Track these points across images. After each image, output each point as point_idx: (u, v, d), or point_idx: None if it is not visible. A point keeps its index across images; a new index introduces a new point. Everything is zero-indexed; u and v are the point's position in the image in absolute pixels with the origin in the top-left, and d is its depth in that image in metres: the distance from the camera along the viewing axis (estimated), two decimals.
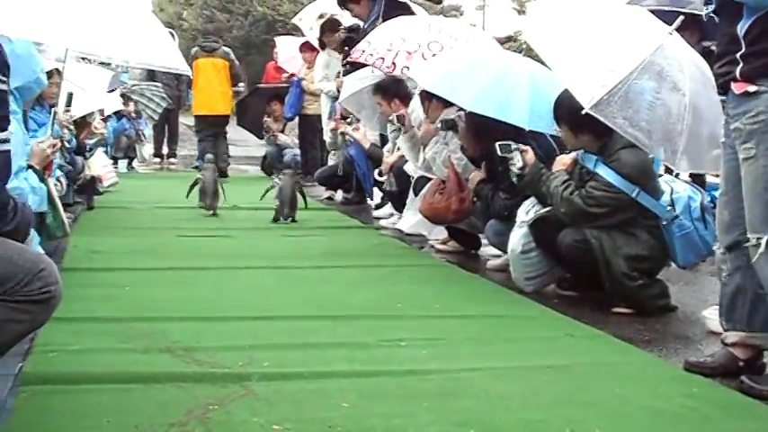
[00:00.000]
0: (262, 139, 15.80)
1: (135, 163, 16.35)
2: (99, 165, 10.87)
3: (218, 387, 4.06)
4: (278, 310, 5.62)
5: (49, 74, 6.46)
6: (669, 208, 5.89)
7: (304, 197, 10.21)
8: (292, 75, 15.05)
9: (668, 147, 5.51)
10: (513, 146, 6.47)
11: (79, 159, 9.52)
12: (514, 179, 6.52)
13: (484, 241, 8.00)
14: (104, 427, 3.55)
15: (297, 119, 14.93)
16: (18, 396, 3.86)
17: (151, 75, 16.27)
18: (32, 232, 5.38)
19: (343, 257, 7.64)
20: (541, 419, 3.82)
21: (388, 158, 9.65)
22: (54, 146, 5.97)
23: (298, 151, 15.13)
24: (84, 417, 3.66)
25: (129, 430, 3.52)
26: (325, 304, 5.83)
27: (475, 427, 3.69)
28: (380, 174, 9.85)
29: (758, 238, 4.22)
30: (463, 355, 4.77)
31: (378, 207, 10.98)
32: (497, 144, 6.55)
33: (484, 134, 7.03)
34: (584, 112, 5.36)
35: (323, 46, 12.95)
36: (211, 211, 10.12)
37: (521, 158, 6.44)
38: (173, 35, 12.58)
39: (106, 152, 11.95)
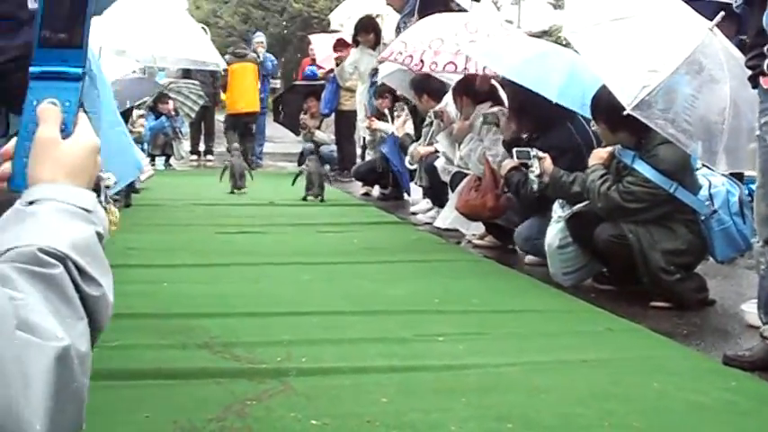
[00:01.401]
0: (298, 135, 15.83)
1: (172, 160, 16.42)
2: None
3: (256, 383, 4.07)
4: (315, 305, 5.63)
5: None
6: (707, 203, 5.86)
7: (329, 181, 11.88)
8: (330, 71, 15.08)
9: (708, 146, 5.50)
10: (532, 153, 6.53)
11: None
12: (534, 186, 6.56)
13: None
14: (143, 422, 3.58)
15: (333, 115, 14.93)
16: None
17: (187, 73, 16.44)
18: None
19: (380, 253, 7.66)
20: (579, 413, 3.80)
21: (419, 148, 9.65)
22: None
23: (334, 147, 15.22)
24: (122, 412, 3.68)
25: (168, 425, 3.54)
26: (362, 299, 5.85)
27: (513, 421, 3.68)
28: (410, 162, 9.87)
29: None
30: (501, 349, 4.77)
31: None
32: (514, 150, 6.70)
33: (524, 116, 7.04)
34: (625, 113, 5.36)
35: (356, 44, 12.96)
36: (240, 191, 11.78)
37: (538, 165, 6.48)
38: (205, 30, 12.75)
39: (143, 149, 12.01)
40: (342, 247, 7.96)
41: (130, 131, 10.12)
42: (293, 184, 11.34)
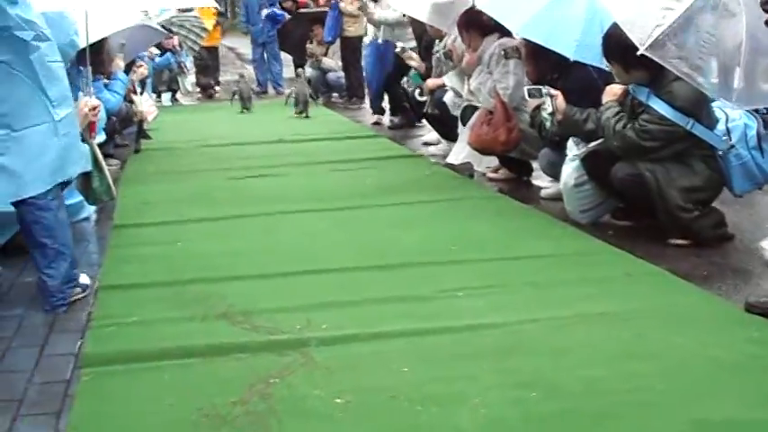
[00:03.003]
0: (304, 63, 15.66)
1: (178, 95, 16.34)
2: (145, 103, 10.87)
3: (277, 356, 4.07)
4: (332, 260, 5.59)
5: None
6: (725, 138, 5.77)
7: (314, 99, 13.95)
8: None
9: (724, 83, 5.39)
10: (544, 90, 6.43)
11: (124, 105, 9.48)
12: (548, 124, 6.48)
13: (535, 165, 7.90)
14: (167, 411, 3.57)
15: (339, 42, 14.79)
16: (80, 380, 3.88)
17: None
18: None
19: (395, 193, 7.60)
20: (603, 377, 3.78)
21: (429, 81, 9.54)
22: (95, 107, 5.93)
23: (342, 74, 15.09)
24: (146, 400, 3.68)
25: (193, 413, 3.52)
26: (379, 251, 5.81)
27: (537, 389, 3.66)
28: (420, 93, 9.76)
29: None
30: (521, 303, 4.74)
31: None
32: (525, 88, 6.65)
33: (541, 58, 6.92)
34: (639, 53, 5.26)
35: None
36: (249, 111, 14.24)
37: (551, 103, 6.39)
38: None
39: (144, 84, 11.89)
40: (355, 187, 7.90)
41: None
42: (286, 103, 13.80)
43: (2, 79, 4.56)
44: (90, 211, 6.69)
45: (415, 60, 10.10)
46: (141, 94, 10.53)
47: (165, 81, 15.78)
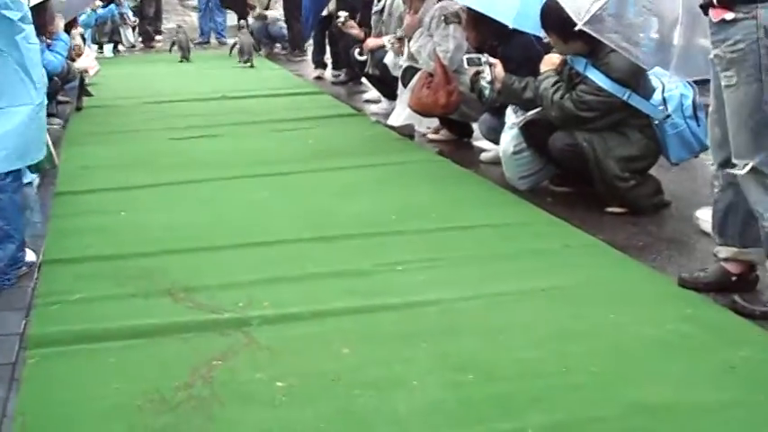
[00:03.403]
0: (246, 16, 15.59)
1: (120, 47, 16.22)
2: (84, 58, 10.78)
3: (220, 335, 4.12)
4: (273, 232, 5.63)
5: None
6: (661, 107, 5.87)
7: (257, 50, 14.78)
8: None
9: (662, 57, 5.45)
10: (483, 59, 6.50)
11: (65, 64, 9.39)
12: (486, 92, 6.55)
13: (475, 126, 7.97)
14: (112, 395, 3.60)
15: None
16: (26, 363, 3.91)
17: None
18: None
19: (336, 156, 7.65)
20: (538, 358, 3.86)
21: (369, 41, 9.56)
22: None
23: (284, 25, 15.04)
24: (93, 385, 3.70)
25: (137, 397, 3.56)
26: (320, 221, 5.85)
27: (473, 371, 3.74)
28: (360, 53, 9.78)
29: (744, 164, 4.22)
30: (460, 278, 4.80)
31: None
32: (465, 57, 6.74)
33: (482, 25, 6.95)
34: (576, 29, 5.32)
35: None
36: (188, 61, 14.97)
37: (489, 72, 6.46)
38: None
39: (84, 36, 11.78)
40: (297, 150, 7.95)
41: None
42: (230, 54, 14.65)
43: None
44: (32, 176, 6.64)
45: (356, 29, 10.11)
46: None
47: (106, 33, 15.67)
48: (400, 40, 8.61)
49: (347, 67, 11.61)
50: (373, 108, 9.94)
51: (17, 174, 4.84)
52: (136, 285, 4.74)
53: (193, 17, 20.18)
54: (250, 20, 15.22)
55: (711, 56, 4.38)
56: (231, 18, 17.02)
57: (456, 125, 8.21)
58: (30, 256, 5.04)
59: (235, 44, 14.70)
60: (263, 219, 5.96)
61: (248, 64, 13.97)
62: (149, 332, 4.18)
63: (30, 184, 6.38)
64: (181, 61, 14.89)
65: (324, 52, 12.74)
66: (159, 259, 5.15)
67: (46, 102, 4.98)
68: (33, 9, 6.37)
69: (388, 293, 4.60)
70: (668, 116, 5.87)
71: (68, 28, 9.47)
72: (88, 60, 10.66)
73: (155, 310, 4.43)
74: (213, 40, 17.39)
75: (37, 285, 4.82)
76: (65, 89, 10.19)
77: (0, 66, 4.61)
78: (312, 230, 5.65)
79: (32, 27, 4.77)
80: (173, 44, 15.46)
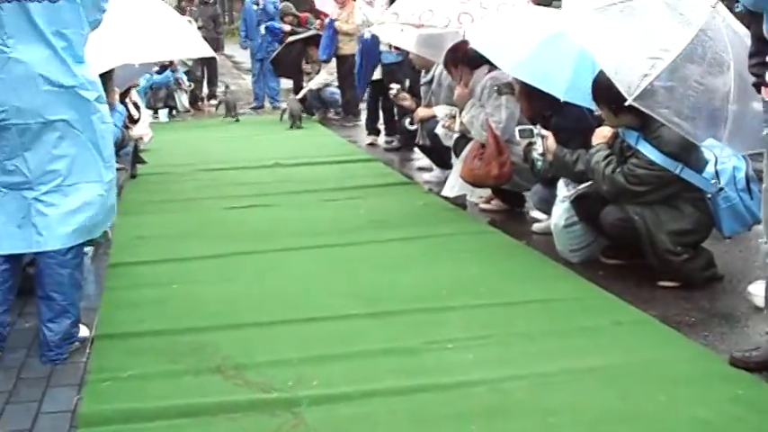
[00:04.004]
0: (301, 83, 15.80)
1: (174, 112, 16.51)
2: (138, 125, 10.95)
3: (269, 416, 4.13)
4: (323, 307, 5.64)
5: None
6: (714, 181, 5.83)
7: (311, 114, 15.60)
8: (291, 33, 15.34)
9: (714, 132, 5.46)
10: (535, 131, 6.52)
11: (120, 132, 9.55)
12: (538, 164, 6.56)
13: (528, 195, 7.97)
14: None
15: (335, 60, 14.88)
16: None
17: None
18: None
19: (387, 228, 7.67)
20: None
21: (419, 111, 9.59)
22: None
23: (336, 90, 15.19)
24: None
25: None
26: (371, 295, 5.87)
27: None
28: (411, 123, 9.83)
29: None
30: (509, 357, 4.79)
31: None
32: (517, 129, 6.75)
33: (534, 96, 6.97)
34: (626, 103, 5.32)
35: None
36: (233, 118, 15.84)
37: (541, 143, 6.47)
38: (191, 22, 12.87)
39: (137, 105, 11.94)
40: (348, 220, 7.99)
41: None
42: (281, 119, 15.27)
43: (63, 137, 4.69)
44: (87, 248, 6.73)
45: (408, 101, 10.16)
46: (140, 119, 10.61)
47: (161, 98, 15.91)
48: (452, 117, 8.64)
49: (400, 133, 11.67)
50: (426, 176, 9.96)
51: (79, 250, 4.91)
52: (187, 362, 4.77)
53: (247, 80, 20.46)
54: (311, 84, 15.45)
55: (765, 133, 4.37)
56: (286, 81, 17.24)
57: (508, 195, 8.21)
58: (83, 331, 5.09)
59: (285, 109, 15.15)
60: (313, 292, 5.97)
61: (297, 127, 14.55)
62: (199, 411, 4.20)
63: (85, 254, 6.49)
64: (225, 117, 15.82)
65: (377, 119, 12.85)
66: (210, 334, 5.18)
67: (115, 180, 5.07)
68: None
69: (437, 373, 4.59)
70: (721, 189, 5.83)
71: (123, 96, 9.63)
72: (143, 128, 10.84)
73: (205, 389, 4.46)
74: (267, 105, 17.55)
75: (89, 361, 4.86)
76: (120, 155, 10.33)
77: (74, 143, 4.73)
78: (363, 306, 5.65)
79: (107, 107, 4.91)
80: (219, 103, 16.66)
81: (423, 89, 9.73)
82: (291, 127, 14.62)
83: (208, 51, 9.45)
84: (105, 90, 7.51)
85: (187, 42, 8.72)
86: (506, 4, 8.23)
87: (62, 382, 4.63)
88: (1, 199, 4.71)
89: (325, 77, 15.30)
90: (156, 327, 5.35)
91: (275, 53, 16.27)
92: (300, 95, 15.65)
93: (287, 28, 16.72)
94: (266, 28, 17.12)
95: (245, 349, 4.93)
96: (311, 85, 15.55)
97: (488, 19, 7.95)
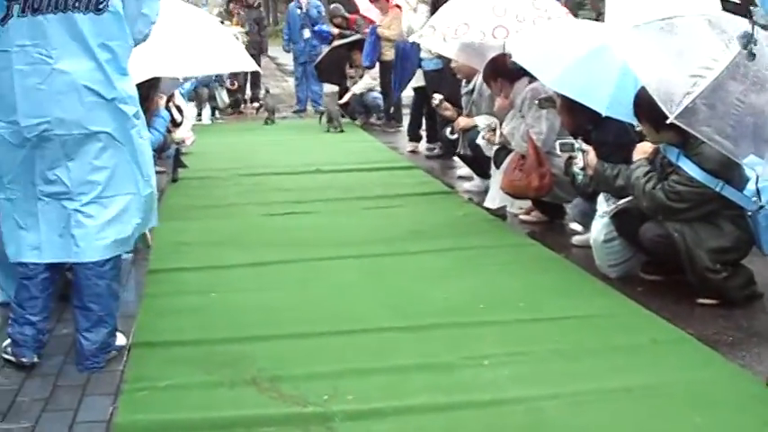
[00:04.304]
0: (344, 86, 15.85)
1: (217, 113, 16.67)
2: (181, 128, 11.06)
3: (303, 431, 4.14)
4: (360, 319, 5.66)
5: None
6: (754, 199, 5.78)
7: (353, 119, 15.71)
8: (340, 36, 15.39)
9: (755, 150, 5.41)
10: (576, 145, 6.49)
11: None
12: (579, 178, 6.53)
13: (568, 207, 7.95)
14: None
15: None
16: None
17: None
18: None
19: (426, 238, 7.67)
20: None
21: (460, 120, 9.57)
22: None
23: (378, 95, 15.22)
24: None
25: None
26: (409, 308, 5.87)
27: None
28: (452, 132, 9.82)
29: None
30: (545, 375, 4.78)
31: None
32: (558, 142, 6.72)
33: (576, 110, 6.94)
34: (668, 121, 5.29)
35: None
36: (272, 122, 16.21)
37: (582, 158, 6.44)
38: (237, 36, 12.98)
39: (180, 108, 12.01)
40: (387, 230, 8.00)
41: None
42: (320, 122, 15.43)
43: (105, 148, 4.75)
44: (126, 255, 6.78)
45: (450, 110, 10.14)
46: (182, 122, 10.72)
47: (205, 99, 16.05)
48: (492, 130, 8.62)
49: (441, 141, 11.66)
50: (466, 185, 9.94)
51: (116, 261, 4.95)
52: (222, 373, 4.80)
53: (290, 83, 20.53)
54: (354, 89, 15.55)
55: None
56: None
57: (548, 206, 8.19)
58: (120, 339, 5.13)
59: (323, 112, 15.36)
60: (351, 304, 5.99)
61: (338, 130, 14.79)
62: (233, 424, 4.23)
63: (124, 259, 6.54)
64: (266, 123, 16.06)
65: (419, 126, 12.86)
66: (247, 345, 5.20)
67: (155, 194, 5.12)
68: (139, 87, 6.60)
69: (473, 390, 4.59)
70: (762, 207, 5.78)
71: (167, 100, 9.71)
72: (185, 131, 10.94)
73: (240, 401, 4.48)
74: (310, 108, 17.62)
75: (126, 369, 4.90)
76: (161, 158, 10.42)
77: (115, 155, 4.79)
78: (400, 318, 5.66)
79: (144, 122, 4.96)
80: (260, 107, 17.24)
81: (464, 99, 9.72)
82: (329, 129, 14.89)
83: (252, 65, 9.50)
84: (150, 97, 7.64)
85: (231, 56, 8.77)
86: (543, 17, 8.17)
87: (98, 390, 4.67)
88: (42, 208, 4.77)
89: (368, 82, 15.34)
90: (193, 336, 5.38)
91: (319, 58, 16.31)
92: (344, 100, 15.67)
93: (335, 31, 16.79)
94: (314, 31, 17.21)
95: (280, 361, 4.95)
96: (355, 89, 15.59)
97: (529, 32, 7.93)
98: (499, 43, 8.47)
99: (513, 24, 8.19)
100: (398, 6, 13.49)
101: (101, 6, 4.62)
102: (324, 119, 15.25)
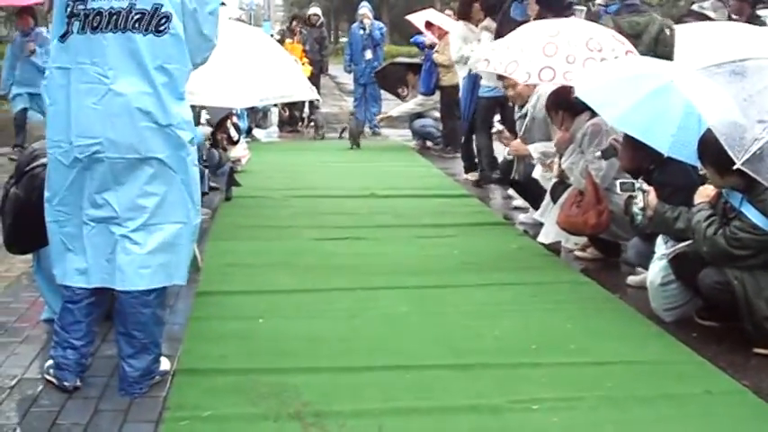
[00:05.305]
0: (397, 94, 16.15)
1: (271, 130, 16.81)
2: (236, 147, 11.05)
3: None
4: (409, 354, 5.56)
5: None
6: None
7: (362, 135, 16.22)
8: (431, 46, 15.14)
9: None
10: (637, 184, 6.37)
11: (216, 152, 9.65)
12: (638, 218, 6.40)
13: (624, 245, 7.81)
14: None
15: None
16: None
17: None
18: None
19: (479, 271, 7.56)
20: None
21: (515, 144, 9.38)
22: None
23: (427, 121, 15.34)
24: None
25: None
26: (459, 344, 5.77)
27: None
28: (509, 154, 9.71)
29: None
30: (594, 423, 4.66)
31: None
32: (618, 182, 6.58)
33: (638, 149, 6.81)
34: (735, 167, 5.17)
35: (465, 16, 12.66)
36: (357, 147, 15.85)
37: (642, 198, 6.32)
38: (297, 61, 13.08)
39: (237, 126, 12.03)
40: (440, 261, 7.89)
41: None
42: (339, 137, 16.68)
43: (156, 175, 4.66)
44: None
45: (510, 140, 10.03)
46: (239, 140, 10.72)
47: (259, 118, 16.14)
48: (548, 157, 8.52)
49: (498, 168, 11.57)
50: (521, 217, 9.82)
51: (162, 290, 4.87)
52: (267, 405, 4.73)
53: (348, 102, 20.56)
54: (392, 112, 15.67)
55: None
56: (387, 105, 17.35)
57: (604, 243, 8.06)
58: (164, 364, 5.07)
59: (344, 128, 15.97)
60: (400, 337, 5.90)
61: (355, 145, 15.55)
62: None
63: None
64: (351, 148, 15.69)
65: (471, 155, 12.71)
66: (292, 376, 5.12)
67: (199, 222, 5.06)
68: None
69: None
70: None
71: (224, 118, 9.71)
72: (240, 149, 10.93)
73: None
74: (367, 130, 17.62)
75: (168, 396, 4.84)
76: (217, 174, 10.41)
77: (167, 182, 4.71)
78: (449, 355, 5.56)
79: (197, 150, 4.87)
80: (343, 130, 16.70)
81: (518, 123, 9.60)
82: (352, 147, 15.54)
83: (311, 94, 9.43)
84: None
85: (291, 84, 8.69)
86: (596, 59, 7.99)
87: (140, 417, 4.61)
88: (89, 233, 4.71)
89: (408, 107, 15.41)
90: (238, 364, 5.32)
91: (381, 66, 16.41)
92: (379, 118, 16.61)
93: (428, 41, 16.70)
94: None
95: (326, 395, 4.87)
96: (392, 112, 16.08)
97: (594, 68, 7.78)
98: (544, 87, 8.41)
99: (561, 66, 7.98)
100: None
101: (161, 28, 4.57)
102: (345, 134, 16.16)
